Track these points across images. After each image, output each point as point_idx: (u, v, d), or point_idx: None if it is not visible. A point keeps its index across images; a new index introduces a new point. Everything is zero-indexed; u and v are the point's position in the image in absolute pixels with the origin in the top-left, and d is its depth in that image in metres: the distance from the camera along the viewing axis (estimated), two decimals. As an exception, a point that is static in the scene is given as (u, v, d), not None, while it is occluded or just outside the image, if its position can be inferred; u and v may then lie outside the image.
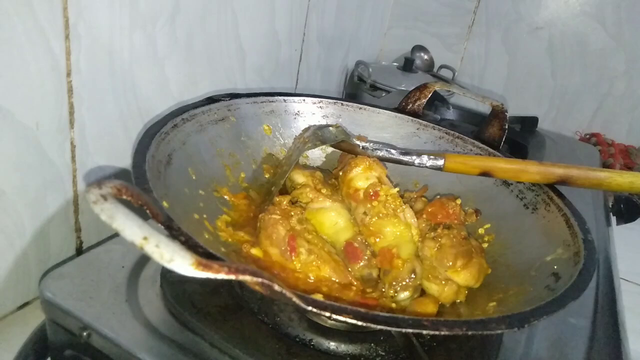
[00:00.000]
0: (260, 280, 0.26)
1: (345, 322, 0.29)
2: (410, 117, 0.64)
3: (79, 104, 0.51)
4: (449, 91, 1.03)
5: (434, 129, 0.63)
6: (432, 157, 0.52)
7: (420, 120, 0.63)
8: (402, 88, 1.03)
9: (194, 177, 0.46)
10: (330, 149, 0.62)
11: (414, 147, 0.61)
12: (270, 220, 0.45)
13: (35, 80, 0.46)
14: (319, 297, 0.38)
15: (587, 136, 1.18)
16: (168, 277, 0.43)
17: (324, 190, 0.51)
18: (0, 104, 0.43)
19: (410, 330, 0.29)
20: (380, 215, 0.47)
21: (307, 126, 0.61)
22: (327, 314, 0.28)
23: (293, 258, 0.43)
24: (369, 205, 0.48)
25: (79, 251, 0.58)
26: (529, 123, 1.06)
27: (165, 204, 0.36)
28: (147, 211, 0.31)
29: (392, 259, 0.44)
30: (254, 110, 0.58)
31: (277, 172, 0.56)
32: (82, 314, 0.39)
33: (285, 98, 0.61)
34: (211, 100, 0.53)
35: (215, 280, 0.24)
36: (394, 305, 0.42)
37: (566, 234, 0.43)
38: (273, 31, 0.81)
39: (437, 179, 0.58)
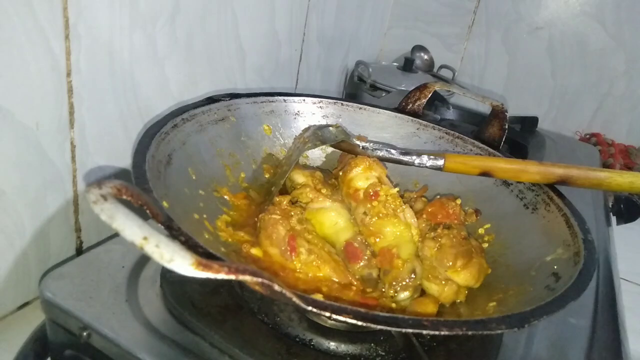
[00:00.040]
0: (260, 280, 0.26)
1: (345, 322, 0.29)
2: (410, 117, 0.64)
3: (79, 104, 0.51)
4: (449, 91, 1.03)
5: (434, 129, 0.63)
6: (432, 157, 0.52)
7: (420, 120, 0.63)
8: (402, 88, 1.03)
9: (194, 177, 0.46)
10: (330, 149, 0.62)
11: (414, 147, 0.61)
12: (270, 220, 0.45)
13: (35, 80, 0.46)
14: (319, 297, 0.38)
15: (587, 136, 1.18)
16: (168, 277, 0.43)
17: (324, 190, 0.51)
18: (0, 104, 0.43)
19: (410, 330, 0.29)
20: (380, 215, 0.47)
21: (307, 126, 0.61)
22: (327, 314, 0.28)
23: (293, 258, 0.43)
24: (369, 205, 0.48)
25: (79, 251, 0.58)
26: (529, 123, 1.06)
27: (165, 204, 0.36)
28: (147, 211, 0.31)
29: (392, 259, 0.44)
30: (254, 110, 0.58)
31: (277, 172, 0.56)
32: (82, 314, 0.39)
33: (285, 98, 0.61)
34: (211, 100, 0.53)
35: (215, 280, 0.24)
36: (394, 305, 0.42)
37: (566, 234, 0.43)
38: (273, 31, 0.81)
39: (437, 179, 0.58)
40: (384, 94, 1.05)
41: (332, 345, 0.39)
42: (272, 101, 0.60)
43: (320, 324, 0.40)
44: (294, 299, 0.28)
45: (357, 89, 1.12)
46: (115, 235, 0.42)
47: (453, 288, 0.43)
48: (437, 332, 0.29)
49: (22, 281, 0.52)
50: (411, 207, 0.50)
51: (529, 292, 0.39)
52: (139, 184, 0.35)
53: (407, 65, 1.11)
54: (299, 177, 0.53)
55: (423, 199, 0.55)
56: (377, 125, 0.63)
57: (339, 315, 0.28)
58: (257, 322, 0.40)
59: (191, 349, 0.38)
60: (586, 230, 0.42)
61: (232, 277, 0.24)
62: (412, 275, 0.43)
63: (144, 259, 0.46)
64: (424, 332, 0.29)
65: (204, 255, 0.29)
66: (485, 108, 0.78)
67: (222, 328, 0.39)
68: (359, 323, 0.28)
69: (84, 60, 0.50)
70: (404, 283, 0.42)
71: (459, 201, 0.52)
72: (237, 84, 0.76)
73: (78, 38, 0.48)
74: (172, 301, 0.41)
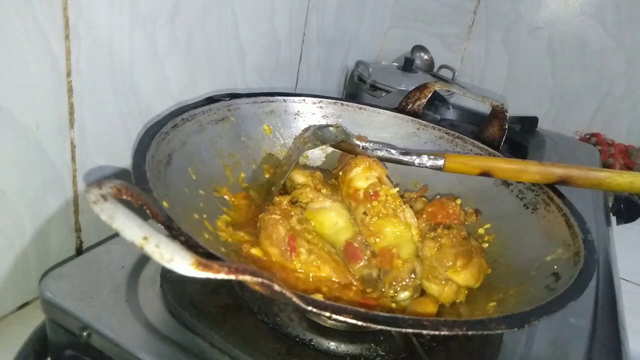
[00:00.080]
0: (260, 280, 0.26)
1: (345, 322, 0.29)
2: (410, 117, 0.64)
3: (79, 104, 0.51)
4: (449, 91, 1.03)
5: (434, 129, 0.63)
6: (432, 157, 0.52)
7: (420, 120, 0.63)
8: (402, 88, 1.03)
9: (194, 177, 0.46)
10: (330, 149, 0.62)
11: (414, 147, 0.61)
12: (270, 220, 0.45)
13: (35, 80, 0.46)
14: (319, 297, 0.38)
15: (587, 136, 1.18)
16: (168, 277, 0.43)
17: (324, 190, 0.51)
18: (0, 104, 0.43)
19: (410, 330, 0.29)
20: (380, 215, 0.47)
21: (307, 126, 0.61)
22: (327, 314, 0.28)
23: (293, 258, 0.43)
24: (369, 205, 0.48)
25: (79, 251, 0.58)
26: (529, 123, 1.06)
27: (165, 204, 0.36)
28: (147, 211, 0.31)
29: (392, 259, 0.44)
30: (254, 110, 0.58)
31: (277, 172, 0.56)
32: (82, 314, 0.39)
33: (285, 98, 0.61)
34: (211, 100, 0.53)
35: (215, 280, 0.24)
36: (394, 305, 0.42)
37: (566, 234, 0.43)
38: (273, 31, 0.81)
39: (437, 179, 0.58)
40: (384, 94, 1.05)
41: (332, 345, 0.39)
42: (272, 101, 0.60)
43: (320, 324, 0.40)
44: (294, 299, 0.28)
45: (357, 89, 1.12)
46: (115, 235, 0.42)
47: (453, 288, 0.43)
48: (437, 332, 0.29)
49: (22, 281, 0.52)
50: (411, 207, 0.50)
51: (529, 292, 0.39)
52: (139, 184, 0.35)
53: (407, 65, 1.11)
54: (299, 177, 0.53)
55: (423, 199, 0.55)
56: (377, 125, 0.63)
57: (339, 315, 0.28)
58: (257, 322, 0.40)
59: (191, 349, 0.38)
60: (586, 230, 0.42)
61: (232, 277, 0.24)
62: (412, 275, 0.43)
63: (143, 259, 0.46)
64: (424, 332, 0.29)
65: (204, 255, 0.28)
66: (485, 108, 0.78)
67: (222, 328, 0.39)
68: (359, 323, 0.28)
69: (84, 60, 0.50)
70: (404, 283, 0.42)
71: (459, 201, 0.52)
72: (237, 84, 0.76)
73: (78, 38, 0.48)
74: (172, 301, 0.41)
